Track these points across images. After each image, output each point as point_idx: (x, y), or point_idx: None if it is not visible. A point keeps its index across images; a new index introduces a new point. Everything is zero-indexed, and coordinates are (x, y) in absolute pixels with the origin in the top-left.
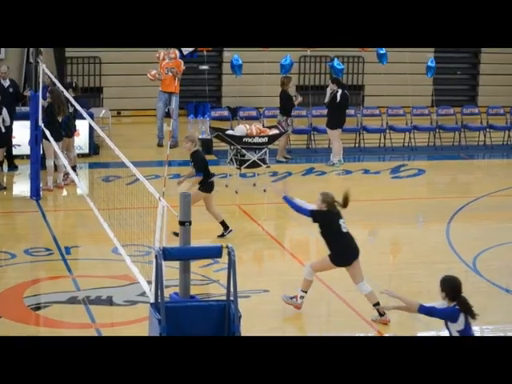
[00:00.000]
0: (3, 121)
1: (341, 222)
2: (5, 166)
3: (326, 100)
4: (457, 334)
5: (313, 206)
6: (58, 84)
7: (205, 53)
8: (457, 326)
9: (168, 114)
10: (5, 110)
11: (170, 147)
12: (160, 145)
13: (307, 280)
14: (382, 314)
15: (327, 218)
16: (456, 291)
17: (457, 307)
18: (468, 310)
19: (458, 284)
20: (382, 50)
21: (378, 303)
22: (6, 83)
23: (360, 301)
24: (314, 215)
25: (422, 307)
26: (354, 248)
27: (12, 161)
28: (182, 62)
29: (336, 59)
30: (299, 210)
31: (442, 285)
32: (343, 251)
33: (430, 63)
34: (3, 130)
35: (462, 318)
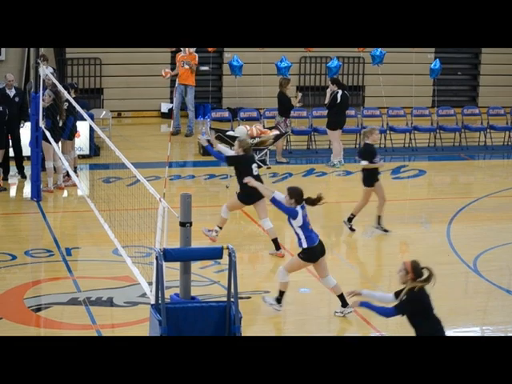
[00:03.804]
0: None
1: (253, 166)
2: (13, 169)
3: (327, 101)
4: (299, 230)
5: (232, 153)
6: (59, 85)
7: (211, 54)
8: (297, 223)
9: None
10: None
11: (186, 136)
12: (174, 134)
13: (223, 218)
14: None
15: (241, 161)
16: (301, 197)
17: (297, 208)
18: (314, 201)
19: (301, 191)
20: (377, 52)
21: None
22: (12, 92)
23: None
24: (228, 160)
25: (274, 199)
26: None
27: (21, 166)
28: (197, 55)
29: (335, 58)
30: (217, 156)
31: (290, 194)
32: (249, 191)
33: (433, 65)
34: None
35: (300, 216)
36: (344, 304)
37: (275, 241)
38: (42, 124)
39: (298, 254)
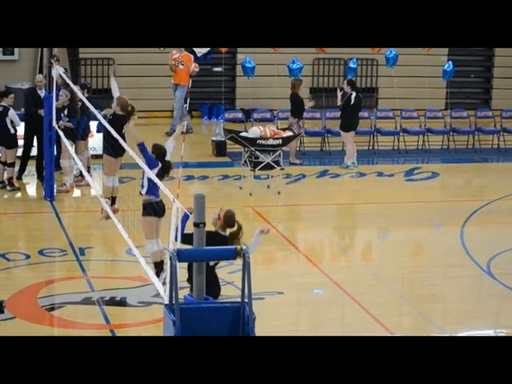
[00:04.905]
0: (11, 122)
1: (125, 126)
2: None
3: (339, 103)
4: (146, 181)
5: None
6: (72, 85)
7: (223, 54)
8: (150, 174)
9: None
10: (11, 111)
11: (166, 134)
12: (185, 132)
13: (106, 187)
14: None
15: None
16: (163, 155)
17: (158, 163)
18: (167, 170)
19: (165, 151)
20: (391, 53)
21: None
22: (42, 93)
23: (374, 303)
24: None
25: (142, 144)
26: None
27: (41, 169)
28: (192, 56)
29: (355, 59)
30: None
31: (153, 148)
32: (113, 145)
33: (446, 67)
34: (12, 131)
35: (156, 170)
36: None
37: (114, 198)
38: (55, 124)
39: (142, 214)
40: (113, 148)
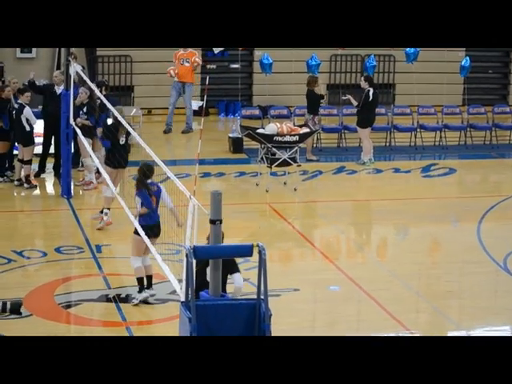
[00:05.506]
0: (27, 120)
1: (121, 137)
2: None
3: (355, 104)
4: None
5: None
6: (89, 83)
7: (240, 51)
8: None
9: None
10: (27, 109)
11: (182, 133)
12: (166, 132)
13: (107, 197)
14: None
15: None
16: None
17: (143, 191)
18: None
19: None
20: (411, 49)
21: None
22: (59, 89)
23: (390, 300)
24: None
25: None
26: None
27: (59, 166)
28: (197, 53)
29: (373, 56)
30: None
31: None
32: (114, 156)
33: (464, 63)
34: (28, 129)
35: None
36: (141, 290)
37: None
38: (72, 121)
39: (134, 232)
40: (114, 158)
